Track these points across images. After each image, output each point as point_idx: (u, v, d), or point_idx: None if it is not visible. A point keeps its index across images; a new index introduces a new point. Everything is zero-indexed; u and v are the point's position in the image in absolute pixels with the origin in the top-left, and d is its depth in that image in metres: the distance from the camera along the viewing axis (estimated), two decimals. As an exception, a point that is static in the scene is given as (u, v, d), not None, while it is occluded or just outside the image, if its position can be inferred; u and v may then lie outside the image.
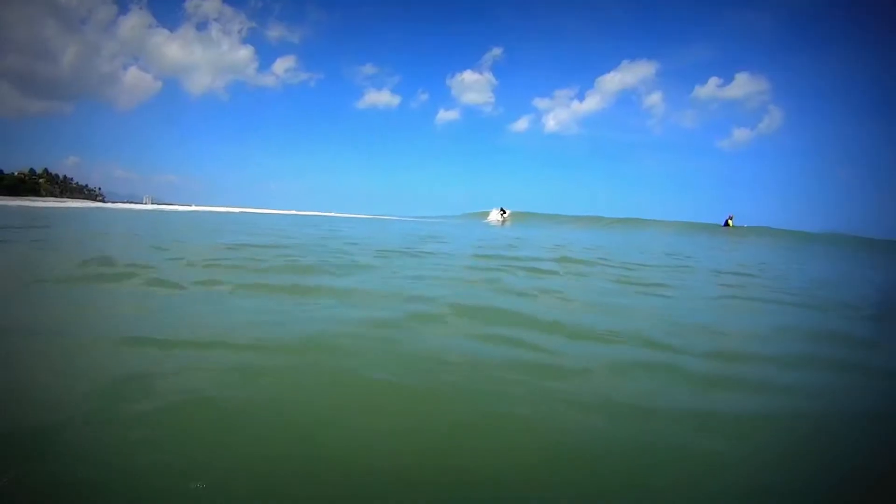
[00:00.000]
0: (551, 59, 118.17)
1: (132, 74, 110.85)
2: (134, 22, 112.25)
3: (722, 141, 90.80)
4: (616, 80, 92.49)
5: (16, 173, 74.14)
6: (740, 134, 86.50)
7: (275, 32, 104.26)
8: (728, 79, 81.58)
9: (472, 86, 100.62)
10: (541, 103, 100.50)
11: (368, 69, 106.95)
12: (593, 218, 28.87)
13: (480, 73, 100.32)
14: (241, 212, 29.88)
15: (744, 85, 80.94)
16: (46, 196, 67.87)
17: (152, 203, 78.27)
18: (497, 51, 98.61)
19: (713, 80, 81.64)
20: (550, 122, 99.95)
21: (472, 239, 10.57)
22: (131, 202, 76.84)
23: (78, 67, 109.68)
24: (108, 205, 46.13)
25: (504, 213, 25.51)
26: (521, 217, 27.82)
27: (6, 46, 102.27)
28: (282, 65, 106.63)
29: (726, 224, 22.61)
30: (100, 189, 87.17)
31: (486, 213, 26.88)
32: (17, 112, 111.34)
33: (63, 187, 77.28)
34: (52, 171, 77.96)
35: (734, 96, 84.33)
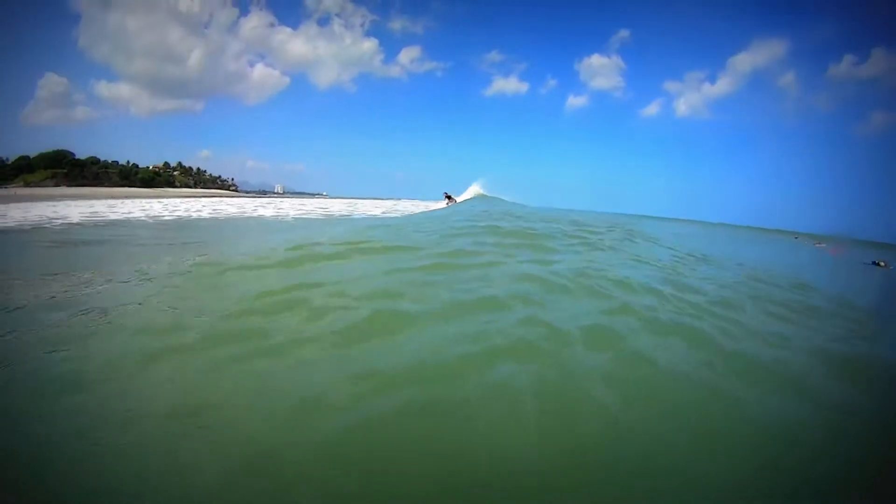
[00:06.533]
0: (680, 40, 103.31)
1: (259, 71, 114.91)
2: (255, 22, 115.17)
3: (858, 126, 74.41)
4: (747, 60, 79.00)
5: (150, 167, 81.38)
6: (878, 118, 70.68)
7: (397, 24, 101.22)
8: (863, 56, 65.87)
9: (601, 70, 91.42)
10: (672, 86, 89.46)
11: (494, 56, 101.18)
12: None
13: (608, 56, 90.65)
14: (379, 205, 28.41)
15: (880, 62, 65.44)
16: (181, 187, 74.41)
17: (283, 191, 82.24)
18: (624, 33, 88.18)
19: (847, 58, 66.50)
20: (682, 107, 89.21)
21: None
22: (263, 192, 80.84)
23: (204, 67, 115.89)
24: (242, 198, 47.22)
25: (450, 199, 27.98)
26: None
27: (133, 52, 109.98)
28: (407, 55, 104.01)
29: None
30: (232, 179, 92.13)
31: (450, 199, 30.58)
32: (148, 111, 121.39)
33: (197, 178, 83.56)
34: (186, 164, 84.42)
35: (870, 75, 68.61)
